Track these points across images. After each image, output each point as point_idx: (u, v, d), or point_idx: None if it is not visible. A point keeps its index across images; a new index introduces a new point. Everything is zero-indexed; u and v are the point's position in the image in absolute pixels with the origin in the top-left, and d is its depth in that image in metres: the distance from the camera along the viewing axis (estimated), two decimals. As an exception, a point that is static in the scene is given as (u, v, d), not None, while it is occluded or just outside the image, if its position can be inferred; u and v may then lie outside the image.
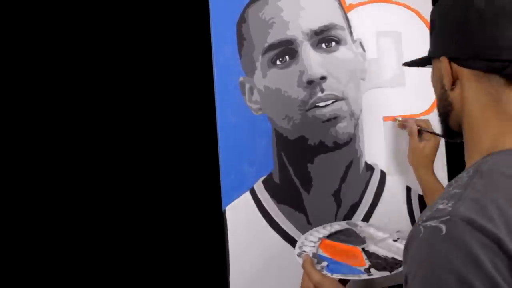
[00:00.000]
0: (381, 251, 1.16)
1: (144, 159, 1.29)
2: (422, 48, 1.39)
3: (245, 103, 1.30)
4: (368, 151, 1.38)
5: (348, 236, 1.25)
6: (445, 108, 0.90)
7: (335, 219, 1.35)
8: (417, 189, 1.41)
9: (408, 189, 1.42)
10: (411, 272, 0.73)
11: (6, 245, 1.21)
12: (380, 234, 1.24)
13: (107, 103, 1.27)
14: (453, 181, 0.82)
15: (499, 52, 0.79)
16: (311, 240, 1.23)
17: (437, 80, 0.91)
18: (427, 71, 1.43)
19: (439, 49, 0.88)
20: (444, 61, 0.86)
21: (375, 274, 1.09)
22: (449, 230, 0.70)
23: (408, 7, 1.45)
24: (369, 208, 1.38)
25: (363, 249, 1.17)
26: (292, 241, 1.31)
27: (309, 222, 1.33)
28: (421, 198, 1.42)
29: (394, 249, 1.16)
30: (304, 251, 1.18)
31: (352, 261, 1.13)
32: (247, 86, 1.30)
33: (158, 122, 1.30)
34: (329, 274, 1.08)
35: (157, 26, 1.29)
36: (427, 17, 1.44)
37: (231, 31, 1.29)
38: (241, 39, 1.30)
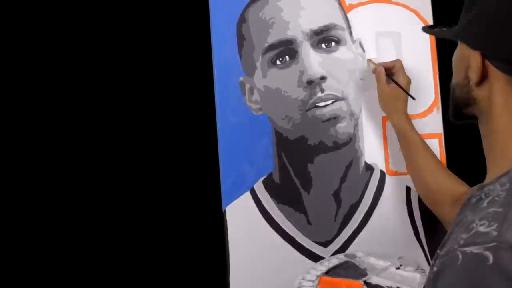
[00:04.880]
0: (384, 282, 1.10)
1: (144, 160, 1.29)
2: (422, 48, 1.41)
3: (245, 103, 1.30)
4: (368, 151, 1.38)
5: (348, 270, 1.17)
6: (465, 99, 0.83)
7: (335, 219, 1.35)
8: (416, 189, 1.42)
9: (408, 189, 1.41)
10: None
11: (6, 245, 1.21)
12: (381, 263, 1.17)
13: (107, 103, 1.27)
14: (480, 193, 0.76)
15: None
16: (309, 279, 1.17)
17: (461, 66, 0.83)
18: (427, 71, 1.43)
19: (475, 39, 0.79)
20: (476, 55, 0.78)
21: None
22: (498, 260, 0.62)
23: (407, 7, 1.45)
24: (368, 208, 1.38)
25: (365, 282, 1.11)
26: (292, 241, 1.31)
27: (309, 222, 1.33)
28: (421, 199, 1.42)
29: (398, 278, 1.08)
30: None
31: None
32: (247, 86, 1.31)
33: (158, 122, 1.30)
34: None
35: (157, 26, 1.29)
36: (427, 17, 1.45)
37: (231, 31, 1.29)
38: (241, 39, 1.30)
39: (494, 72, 0.78)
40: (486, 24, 0.77)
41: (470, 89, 0.81)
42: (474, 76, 0.79)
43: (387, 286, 1.08)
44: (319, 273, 1.19)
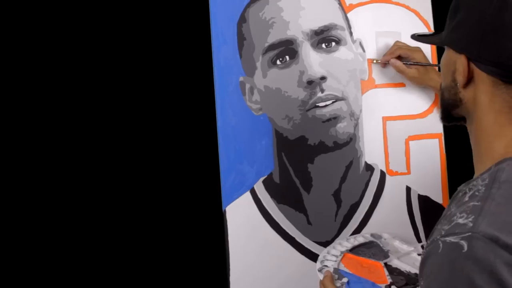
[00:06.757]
0: (404, 266, 1.12)
1: (145, 160, 1.29)
2: (422, 48, 1.41)
3: (245, 103, 1.30)
4: (368, 151, 1.38)
5: (371, 249, 1.21)
6: (452, 100, 0.87)
7: (335, 219, 1.35)
8: (416, 189, 1.42)
9: (408, 189, 1.42)
10: None
11: (6, 245, 1.21)
12: (405, 247, 1.20)
13: (107, 103, 1.27)
14: (466, 188, 0.81)
15: None
16: (333, 254, 1.20)
17: (448, 70, 0.87)
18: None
19: (459, 43, 0.83)
20: (462, 59, 0.82)
21: None
22: (471, 248, 0.69)
23: (407, 7, 1.45)
24: (369, 208, 1.38)
25: (385, 264, 1.13)
26: (292, 241, 1.31)
27: (309, 222, 1.33)
28: (421, 198, 1.42)
29: (418, 264, 1.12)
30: (326, 266, 1.15)
31: (373, 278, 1.10)
32: (247, 86, 1.31)
33: (158, 123, 1.30)
34: None
35: (157, 26, 1.29)
36: (427, 17, 1.45)
37: (231, 31, 1.29)
38: (241, 39, 1.30)
39: (479, 74, 0.81)
40: (470, 29, 0.81)
41: (457, 91, 0.85)
42: (460, 78, 0.83)
43: (406, 271, 1.10)
44: (344, 249, 1.22)
